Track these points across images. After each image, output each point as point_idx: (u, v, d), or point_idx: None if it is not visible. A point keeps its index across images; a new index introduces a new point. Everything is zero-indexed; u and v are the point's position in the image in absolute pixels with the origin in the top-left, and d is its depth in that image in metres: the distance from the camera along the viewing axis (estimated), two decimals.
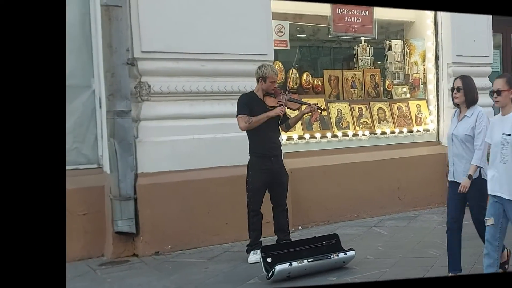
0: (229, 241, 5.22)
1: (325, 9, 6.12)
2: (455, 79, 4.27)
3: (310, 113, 4.94)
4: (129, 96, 4.68)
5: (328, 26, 6.15)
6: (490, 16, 7.04)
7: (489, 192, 3.96)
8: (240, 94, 4.91)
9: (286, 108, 4.81)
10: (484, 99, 6.94)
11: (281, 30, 5.80)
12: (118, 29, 4.55)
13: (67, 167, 4.54)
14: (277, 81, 4.95)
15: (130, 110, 4.69)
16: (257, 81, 4.70)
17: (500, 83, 3.89)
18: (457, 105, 4.26)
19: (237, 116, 4.62)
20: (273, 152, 4.73)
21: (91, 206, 4.72)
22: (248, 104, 4.64)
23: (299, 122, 5.18)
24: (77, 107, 4.85)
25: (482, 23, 7.09)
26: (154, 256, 4.85)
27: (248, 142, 4.70)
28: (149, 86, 4.82)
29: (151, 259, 4.80)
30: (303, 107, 4.89)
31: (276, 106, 4.70)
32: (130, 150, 4.69)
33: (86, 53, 4.81)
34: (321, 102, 5.93)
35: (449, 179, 4.30)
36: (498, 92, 3.86)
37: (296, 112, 5.00)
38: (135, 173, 4.77)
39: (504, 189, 3.84)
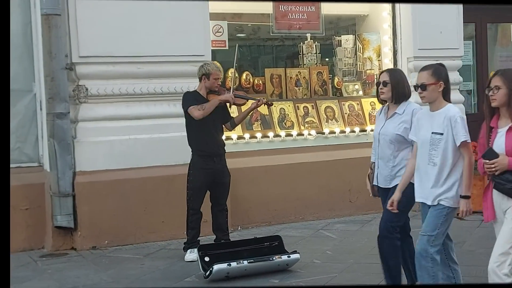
0: (165, 239, 7.68)
1: (266, 7, 8.67)
2: (381, 72, 5.25)
3: (256, 109, 7.29)
4: (68, 99, 7.20)
5: (270, 24, 8.70)
6: (461, 5, 9.46)
7: (416, 199, 4.78)
8: (177, 95, 7.44)
9: (232, 104, 7.20)
10: (452, 94, 9.42)
11: (219, 30, 8.36)
12: (57, 36, 7.05)
13: (11, 165, 7.11)
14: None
15: (69, 112, 7.20)
16: (200, 79, 6.92)
17: (424, 76, 4.59)
18: (383, 102, 5.18)
19: (188, 108, 6.71)
20: (217, 151, 6.92)
21: (32, 202, 7.31)
22: (194, 100, 6.89)
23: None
24: (20, 110, 7.47)
25: (451, 12, 9.42)
26: (91, 250, 7.31)
27: (188, 141, 6.93)
28: (87, 89, 7.34)
29: (88, 253, 7.23)
30: (250, 102, 7.15)
31: (221, 103, 7.07)
32: (69, 149, 7.21)
33: (28, 59, 7.42)
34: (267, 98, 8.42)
35: (373, 183, 5.35)
36: (423, 87, 4.56)
37: (237, 114, 7.45)
38: (73, 171, 7.28)
39: (427, 193, 4.63)
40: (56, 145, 7.13)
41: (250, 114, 7.44)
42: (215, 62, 8.14)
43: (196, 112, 6.66)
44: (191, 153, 6.96)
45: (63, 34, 7.13)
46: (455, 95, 9.54)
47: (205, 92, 6.88)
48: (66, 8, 7.20)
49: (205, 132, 6.81)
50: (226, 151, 7.19)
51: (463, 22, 9.69)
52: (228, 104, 7.01)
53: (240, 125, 7.83)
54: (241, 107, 7.55)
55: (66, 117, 7.17)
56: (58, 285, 6.27)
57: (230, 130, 7.48)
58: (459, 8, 9.54)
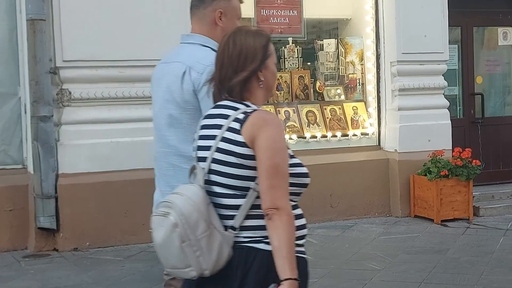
0: (146, 241, 8.68)
1: (248, 11, 9.78)
2: None
3: None
4: (52, 102, 8.33)
5: None
6: (446, 9, 10.58)
7: None
8: None
9: None
10: (437, 100, 10.63)
11: None
12: (42, 40, 8.16)
13: None
14: None
15: (52, 115, 8.32)
16: None
17: None
18: None
19: None
20: None
21: (16, 203, 8.47)
22: None
23: None
24: (5, 113, 8.67)
25: (436, 16, 10.48)
26: (73, 251, 8.38)
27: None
28: (70, 93, 8.46)
29: (70, 254, 8.29)
30: None
31: None
32: (52, 152, 8.32)
33: (14, 64, 8.60)
34: None
35: None
36: None
37: None
38: (56, 174, 8.39)
39: None
40: (40, 148, 8.24)
41: None
42: None
43: None
44: None
45: (47, 39, 8.27)
46: (439, 99, 10.73)
47: None
48: (50, 13, 8.33)
49: None
50: None
51: (449, 26, 10.67)
52: None
53: None
54: None
55: (49, 120, 8.30)
56: (40, 285, 7.20)
57: None
58: (444, 11, 10.57)
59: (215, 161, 3.05)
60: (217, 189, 3.06)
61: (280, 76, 10.25)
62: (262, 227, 3.00)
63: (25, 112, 8.63)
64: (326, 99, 10.62)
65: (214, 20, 3.81)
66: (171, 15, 8.90)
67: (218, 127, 3.06)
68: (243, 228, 3.02)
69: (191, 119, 3.60)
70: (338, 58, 10.74)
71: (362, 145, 10.60)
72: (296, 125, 10.12)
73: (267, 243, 2.98)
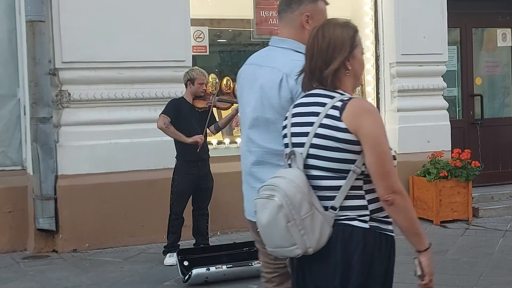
0: (145, 242, 8.76)
1: (247, 13, 9.80)
2: None
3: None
4: (51, 104, 8.33)
5: (251, 29, 9.83)
6: (445, 10, 10.60)
7: None
8: (157, 100, 8.62)
9: (216, 108, 8.14)
10: (436, 101, 10.63)
11: (200, 36, 9.49)
12: (41, 42, 8.16)
13: None
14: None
15: (52, 117, 8.33)
16: (186, 85, 7.95)
17: None
18: None
19: (160, 114, 7.73)
20: (201, 156, 7.88)
21: (15, 204, 8.49)
22: (176, 107, 7.83)
23: None
24: (4, 115, 8.69)
25: (435, 17, 10.52)
26: (72, 253, 8.39)
27: (173, 146, 7.89)
28: (69, 94, 8.46)
29: (69, 255, 8.30)
30: (236, 105, 7.83)
31: (205, 108, 7.95)
32: (51, 153, 8.33)
33: (13, 65, 8.62)
34: None
35: None
36: None
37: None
38: (55, 175, 8.40)
39: None
40: (39, 149, 8.25)
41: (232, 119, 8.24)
42: (196, 67, 9.23)
43: (160, 123, 7.66)
44: (176, 158, 7.96)
45: (46, 40, 8.28)
46: (439, 101, 10.73)
47: (191, 98, 7.90)
48: (50, 15, 8.34)
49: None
50: None
51: (448, 27, 10.70)
52: (214, 109, 8.06)
53: (220, 131, 8.71)
54: (224, 110, 8.57)
55: (49, 122, 8.31)
56: (39, 286, 7.21)
57: (215, 134, 8.53)
58: (443, 12, 10.61)
59: (313, 146, 3.17)
60: (315, 172, 3.18)
61: None
62: (357, 207, 3.16)
63: (24, 114, 8.65)
64: None
65: (301, 23, 3.85)
66: (170, 16, 8.92)
67: (315, 114, 3.19)
68: (342, 208, 3.15)
69: None
70: None
71: None
72: None
73: (361, 221, 3.16)
